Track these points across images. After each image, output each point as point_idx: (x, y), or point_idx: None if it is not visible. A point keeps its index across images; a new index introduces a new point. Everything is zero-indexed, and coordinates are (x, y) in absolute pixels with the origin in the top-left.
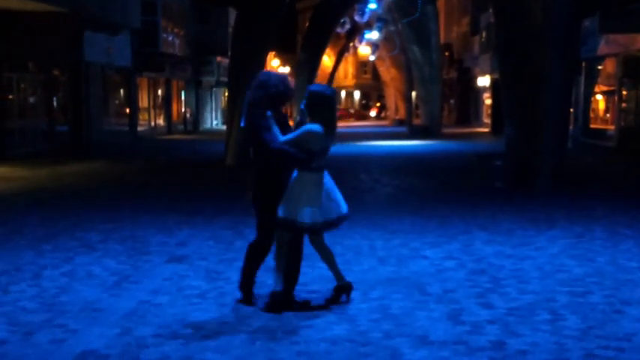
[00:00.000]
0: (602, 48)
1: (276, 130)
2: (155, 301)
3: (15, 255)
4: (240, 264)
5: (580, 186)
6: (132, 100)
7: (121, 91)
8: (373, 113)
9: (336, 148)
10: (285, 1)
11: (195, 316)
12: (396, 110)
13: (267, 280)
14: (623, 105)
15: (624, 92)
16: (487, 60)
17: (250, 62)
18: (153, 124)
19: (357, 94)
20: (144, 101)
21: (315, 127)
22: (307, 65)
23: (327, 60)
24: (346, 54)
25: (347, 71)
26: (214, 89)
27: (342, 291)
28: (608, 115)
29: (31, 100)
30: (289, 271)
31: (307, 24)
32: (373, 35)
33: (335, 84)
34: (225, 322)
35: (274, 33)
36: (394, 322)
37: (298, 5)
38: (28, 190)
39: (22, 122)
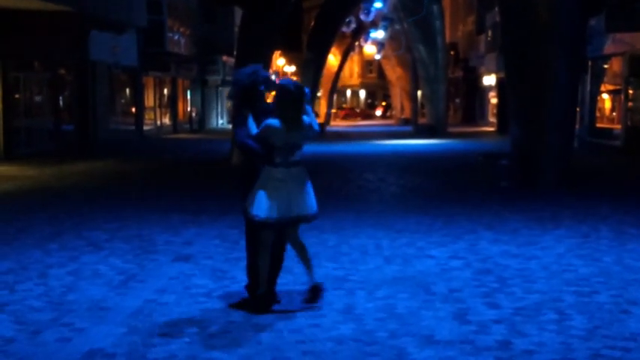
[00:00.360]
0: (609, 47)
1: (251, 124)
2: (161, 300)
3: (21, 254)
4: (245, 263)
5: (586, 185)
6: (138, 99)
7: (127, 90)
8: (379, 112)
9: (342, 147)
10: (290, 0)
11: (201, 315)
12: (402, 109)
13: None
14: (630, 104)
15: (630, 91)
16: (493, 59)
17: (256, 61)
18: (159, 123)
19: (362, 94)
20: (150, 100)
21: (274, 121)
22: (313, 64)
23: (333, 59)
24: (352, 53)
25: (352, 70)
26: (220, 88)
27: (316, 291)
28: (614, 114)
29: (37, 99)
30: (251, 266)
31: (313, 23)
32: (379, 34)
33: (341, 83)
34: (232, 321)
35: (280, 32)
36: (400, 321)
37: (304, 4)
38: (34, 189)
39: (28, 121)
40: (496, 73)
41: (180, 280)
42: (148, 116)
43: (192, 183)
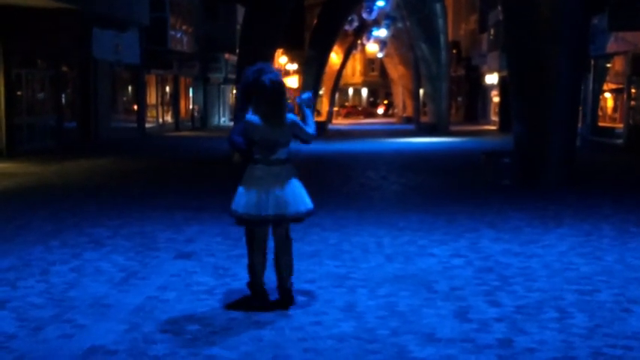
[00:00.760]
0: (611, 46)
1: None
2: (163, 297)
3: (23, 250)
4: (247, 260)
5: (588, 184)
6: (140, 96)
7: (129, 87)
8: (381, 110)
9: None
10: None
11: (203, 312)
12: (404, 108)
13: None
14: (632, 103)
15: (633, 90)
16: (495, 58)
17: (258, 59)
18: (161, 120)
19: (364, 92)
20: (152, 98)
21: (252, 117)
22: (315, 62)
23: (335, 57)
24: (354, 51)
25: (355, 68)
26: (222, 86)
27: (286, 296)
28: (616, 113)
29: (40, 96)
30: (248, 264)
31: (315, 21)
32: (381, 33)
33: (343, 81)
34: (233, 319)
35: (282, 30)
36: (401, 319)
37: (306, 2)
38: (36, 186)
39: (30, 118)
40: (498, 71)
41: (182, 277)
42: (150, 114)
43: (194, 180)
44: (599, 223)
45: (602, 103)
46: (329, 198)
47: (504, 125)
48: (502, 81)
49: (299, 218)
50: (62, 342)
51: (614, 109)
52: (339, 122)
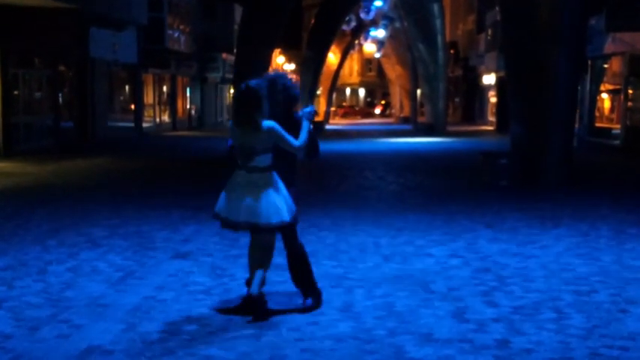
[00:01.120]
0: (609, 46)
1: None
2: (160, 297)
3: (20, 250)
4: (244, 260)
5: (585, 185)
6: (137, 96)
7: (127, 87)
8: (378, 111)
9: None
10: None
11: (200, 312)
12: (401, 108)
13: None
14: (629, 104)
15: (630, 91)
16: (493, 58)
17: (256, 59)
18: (158, 120)
19: (362, 92)
20: (149, 98)
21: (232, 122)
22: (313, 62)
23: (333, 57)
24: (351, 51)
25: (352, 69)
26: (220, 86)
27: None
28: (613, 114)
29: (37, 96)
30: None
31: (313, 21)
32: (379, 33)
33: (340, 81)
34: (230, 319)
35: (280, 30)
36: (399, 319)
37: (304, 2)
38: (33, 185)
39: (27, 118)
40: (496, 72)
41: (179, 277)
42: (148, 113)
43: (191, 180)
44: (597, 224)
45: (599, 104)
46: (326, 198)
47: (502, 126)
48: (499, 81)
49: (265, 229)
50: (59, 342)
51: (612, 109)
52: (337, 122)
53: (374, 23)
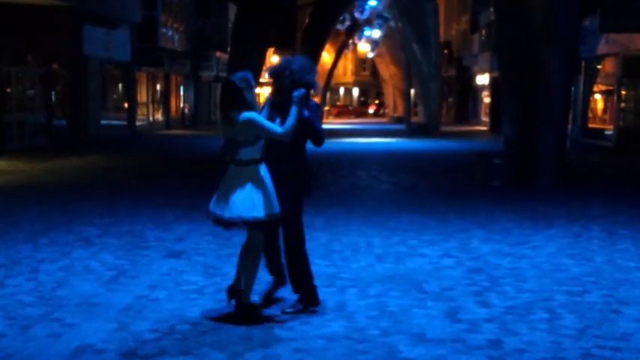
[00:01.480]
0: (602, 47)
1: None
2: (152, 296)
3: (12, 248)
4: (237, 259)
5: (578, 185)
6: (130, 94)
7: (120, 85)
8: (371, 110)
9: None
10: None
11: (192, 311)
12: (395, 107)
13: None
14: (622, 105)
15: (623, 92)
16: (486, 58)
17: (250, 58)
18: (151, 118)
19: (355, 91)
20: (142, 96)
21: None
22: None
23: (327, 56)
24: (345, 51)
25: (346, 68)
26: (213, 84)
27: (234, 295)
28: (606, 114)
29: (30, 93)
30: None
31: (307, 20)
32: (374, 34)
33: (334, 81)
34: (223, 318)
35: (274, 29)
36: (391, 319)
37: (298, 2)
38: (26, 183)
39: (20, 116)
40: (489, 72)
41: (172, 276)
42: (141, 112)
43: (184, 179)
44: (589, 225)
45: (592, 105)
46: (319, 197)
47: (495, 126)
48: (493, 82)
49: (230, 224)
50: (51, 341)
51: (605, 110)
52: (330, 121)
53: (368, 23)
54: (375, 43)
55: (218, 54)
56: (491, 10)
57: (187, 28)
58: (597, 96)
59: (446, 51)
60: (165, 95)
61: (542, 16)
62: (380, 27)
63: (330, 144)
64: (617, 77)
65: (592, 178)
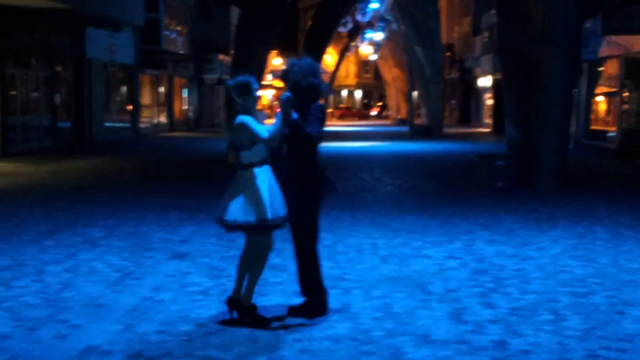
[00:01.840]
0: (604, 49)
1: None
2: (158, 298)
3: (18, 250)
4: None
5: (582, 187)
6: (134, 97)
7: (123, 88)
8: (374, 112)
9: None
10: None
11: (197, 313)
12: (398, 110)
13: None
14: (625, 107)
15: (626, 94)
16: (489, 60)
17: (252, 61)
18: (155, 121)
19: (358, 94)
20: (146, 98)
21: None
22: None
23: (329, 59)
24: (348, 53)
25: (349, 70)
26: (216, 87)
27: (235, 306)
28: (609, 116)
29: (34, 96)
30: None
31: (309, 23)
32: (377, 36)
33: (337, 83)
34: (228, 319)
35: (276, 32)
36: (396, 320)
37: (300, 4)
38: (30, 186)
39: (24, 118)
40: (492, 74)
41: (177, 278)
42: (144, 114)
43: (188, 181)
44: (593, 226)
45: (594, 107)
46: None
47: (498, 128)
48: (495, 84)
49: (224, 225)
50: (57, 342)
51: (607, 112)
52: (333, 124)
53: (370, 25)
54: (377, 46)
55: (221, 57)
56: (493, 12)
57: (190, 31)
58: (599, 98)
59: (448, 53)
60: (169, 98)
61: (544, 18)
62: (382, 29)
63: (334, 146)
64: (620, 79)
65: (595, 179)
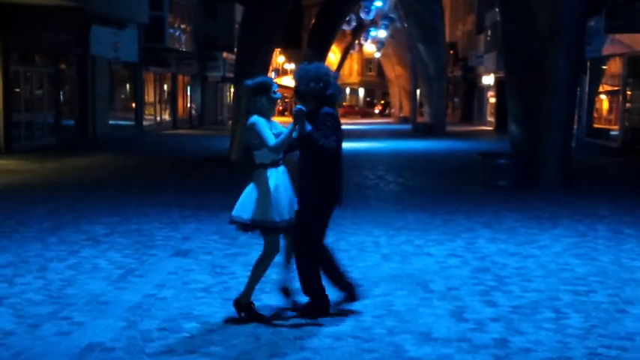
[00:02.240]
0: (607, 48)
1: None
2: (160, 295)
3: (21, 247)
4: (243, 258)
5: (584, 185)
6: (138, 94)
7: (127, 85)
8: (377, 110)
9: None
10: None
11: (200, 310)
12: (401, 108)
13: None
14: (628, 105)
15: (629, 92)
16: (492, 59)
17: (256, 58)
18: (158, 118)
19: (361, 92)
20: (150, 96)
21: None
22: (312, 62)
23: (333, 57)
24: (351, 51)
25: (352, 68)
26: (220, 85)
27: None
28: (612, 115)
29: (38, 93)
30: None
31: (313, 21)
32: (381, 34)
33: (340, 81)
34: (230, 317)
35: (280, 29)
36: (398, 318)
37: (304, 2)
38: (34, 183)
39: (28, 116)
40: (495, 72)
41: (179, 275)
42: (148, 112)
43: (191, 178)
44: (595, 224)
45: (597, 105)
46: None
47: (500, 126)
48: (498, 82)
49: (234, 223)
50: (59, 339)
51: (610, 110)
52: None
53: (374, 23)
54: (380, 44)
55: (225, 54)
56: (497, 10)
57: (194, 29)
58: (602, 96)
59: (451, 51)
60: (173, 95)
61: (548, 16)
62: (386, 27)
63: None
64: (623, 77)
65: (597, 177)
